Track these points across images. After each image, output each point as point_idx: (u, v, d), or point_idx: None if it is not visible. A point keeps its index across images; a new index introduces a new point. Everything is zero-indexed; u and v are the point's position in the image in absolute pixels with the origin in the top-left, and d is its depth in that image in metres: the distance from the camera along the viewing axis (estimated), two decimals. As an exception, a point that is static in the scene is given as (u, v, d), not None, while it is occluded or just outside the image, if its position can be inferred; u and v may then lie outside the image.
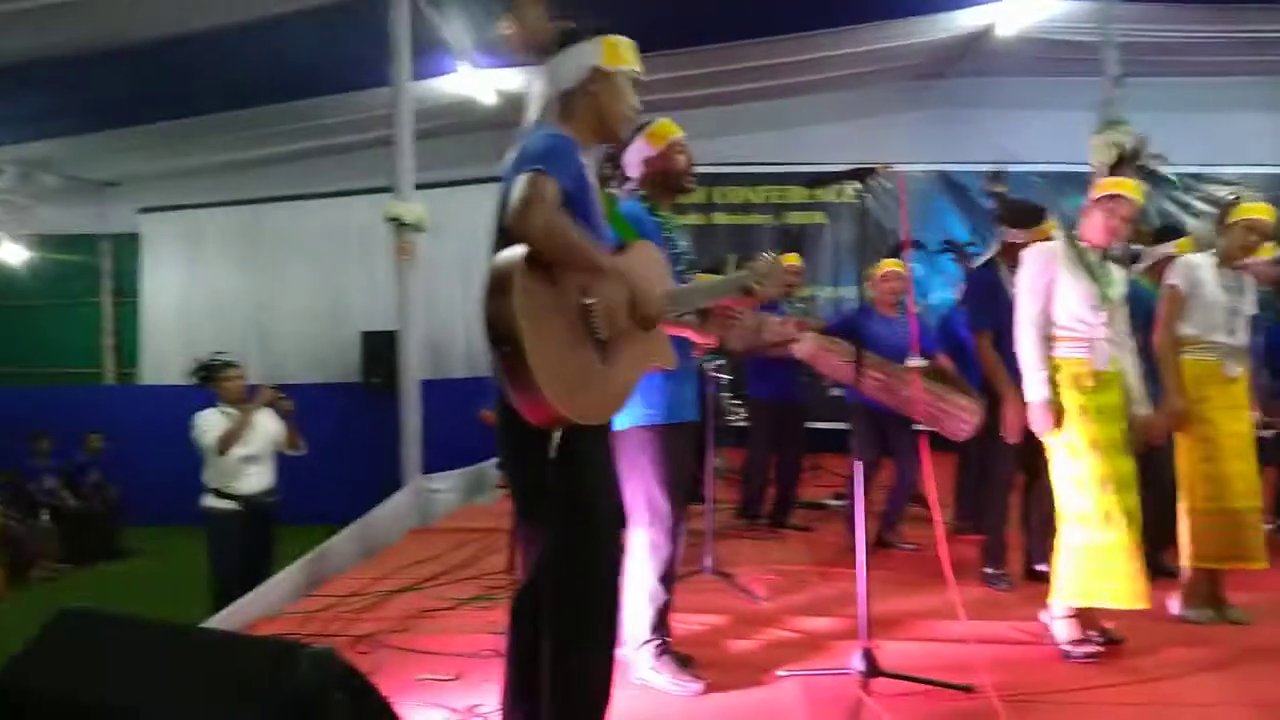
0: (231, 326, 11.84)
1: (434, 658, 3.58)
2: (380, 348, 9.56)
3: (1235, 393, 3.99)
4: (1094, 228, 3.57)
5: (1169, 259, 4.48)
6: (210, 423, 5.44)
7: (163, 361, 11.79)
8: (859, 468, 3.46)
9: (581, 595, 2.26)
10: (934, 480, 3.91)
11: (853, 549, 3.27)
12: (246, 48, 7.36)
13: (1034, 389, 3.52)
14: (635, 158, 3.39)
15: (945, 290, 9.47)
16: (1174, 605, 3.99)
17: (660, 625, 3.26)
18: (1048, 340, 3.54)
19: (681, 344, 3.21)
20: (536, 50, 2.48)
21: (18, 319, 12.63)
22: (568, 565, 2.22)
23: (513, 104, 9.03)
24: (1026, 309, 3.57)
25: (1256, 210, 4.02)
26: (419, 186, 7.45)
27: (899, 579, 4.66)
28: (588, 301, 2.24)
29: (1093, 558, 3.38)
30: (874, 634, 3.19)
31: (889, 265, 5.55)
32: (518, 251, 2.11)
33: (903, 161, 8.61)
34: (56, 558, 9.15)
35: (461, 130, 9.98)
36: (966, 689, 3.05)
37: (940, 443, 4.74)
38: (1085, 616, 3.50)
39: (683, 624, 3.81)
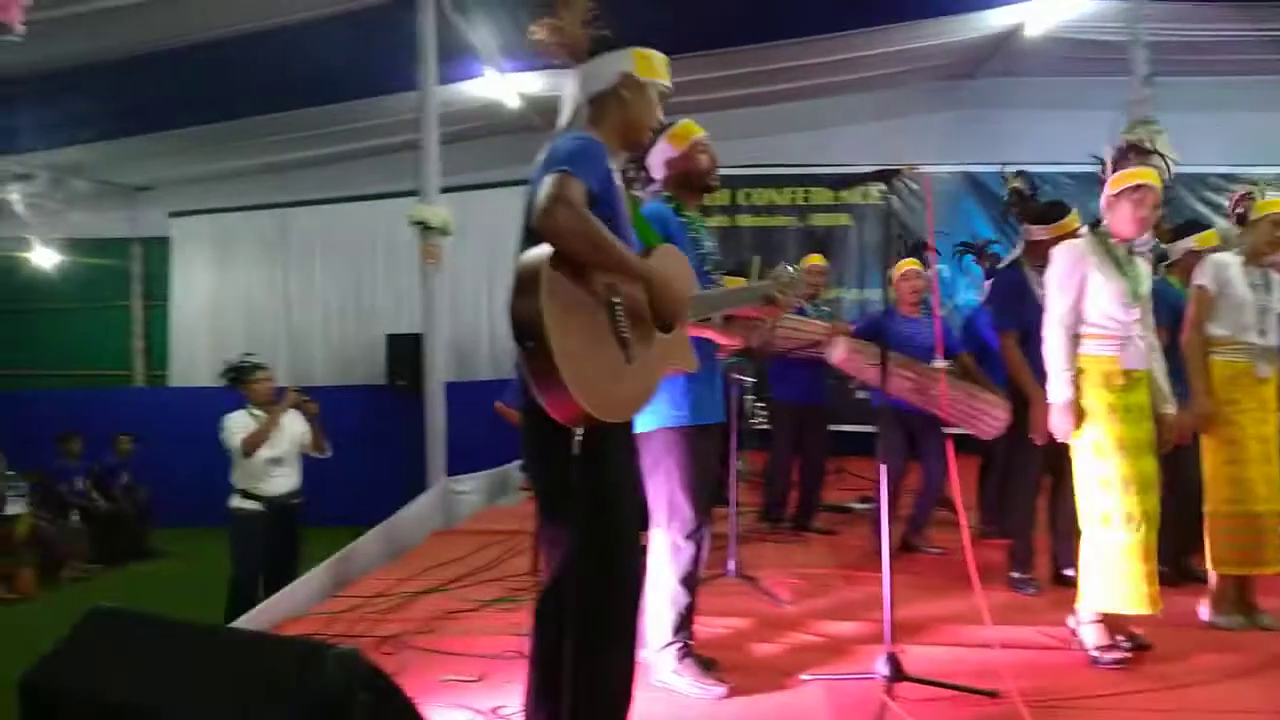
0: (259, 329, 11.98)
1: (458, 659, 3.60)
2: (406, 350, 9.61)
3: (1264, 395, 3.94)
4: (1122, 220, 3.51)
5: (1193, 254, 4.47)
6: (238, 424, 5.46)
7: (192, 364, 11.93)
8: (884, 471, 3.44)
9: (603, 596, 2.26)
10: (959, 484, 3.88)
11: (877, 553, 3.25)
12: (275, 53, 7.44)
13: (1058, 390, 3.47)
14: (658, 159, 3.41)
15: (970, 292, 9.42)
16: (1203, 611, 3.95)
17: (682, 628, 3.26)
18: (1076, 338, 3.49)
19: (706, 346, 3.21)
20: (571, 55, 2.50)
21: (50, 322, 12.79)
22: (590, 566, 2.22)
23: (537, 107, 9.09)
24: (1056, 307, 3.51)
25: (1270, 204, 3.98)
26: (444, 190, 7.49)
27: (924, 583, 4.64)
28: (614, 299, 2.25)
29: (1113, 560, 3.35)
30: (899, 638, 3.18)
31: (908, 265, 5.51)
32: (544, 250, 2.13)
33: (929, 163, 8.56)
34: (86, 558, 9.24)
35: (486, 134, 10.05)
36: (992, 694, 3.02)
37: (963, 446, 4.71)
38: (1113, 621, 3.47)
39: (706, 627, 3.80)
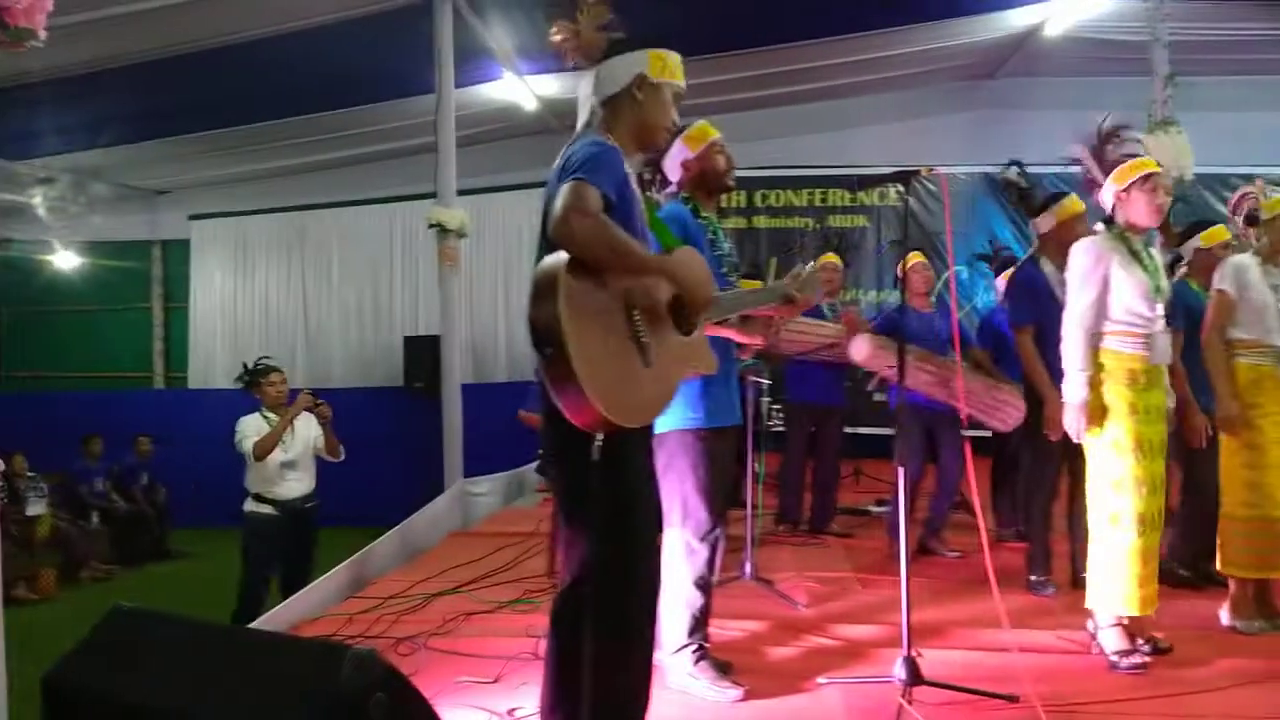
0: (278, 331, 12.08)
1: (474, 660, 3.60)
2: (423, 352, 9.65)
3: (1286, 398, 3.91)
4: (1139, 211, 3.47)
5: (1202, 252, 4.47)
6: (250, 428, 5.42)
7: (211, 365, 12.03)
8: (902, 473, 3.43)
9: (621, 599, 2.26)
10: (975, 486, 3.85)
11: (895, 556, 3.24)
12: (293, 57, 7.48)
13: (1074, 389, 3.43)
14: (675, 161, 3.42)
15: (989, 294, 9.39)
16: (1224, 615, 3.92)
17: (697, 630, 3.25)
18: (1098, 336, 3.45)
19: (724, 348, 3.21)
20: (585, 57, 2.50)
21: (71, 324, 12.90)
22: (608, 569, 2.22)
23: (554, 110, 9.12)
24: (1077, 304, 3.45)
25: None
26: (462, 192, 7.52)
27: (942, 587, 4.62)
28: (631, 304, 2.25)
29: (1119, 560, 3.34)
30: (916, 642, 3.16)
31: (915, 258, 5.49)
32: (561, 257, 2.12)
33: (947, 164, 8.53)
34: (106, 559, 9.33)
35: (503, 136, 10.08)
36: (1010, 699, 3.00)
37: (977, 448, 4.68)
38: (1133, 625, 3.44)
39: (722, 630, 3.80)
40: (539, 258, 2.22)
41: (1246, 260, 3.97)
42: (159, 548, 9.92)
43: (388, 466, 9.76)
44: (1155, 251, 3.64)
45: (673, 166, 3.45)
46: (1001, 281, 5.92)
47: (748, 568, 4.65)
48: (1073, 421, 3.44)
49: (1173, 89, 6.90)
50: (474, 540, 6.10)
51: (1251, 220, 4.11)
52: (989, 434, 5.81)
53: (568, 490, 2.36)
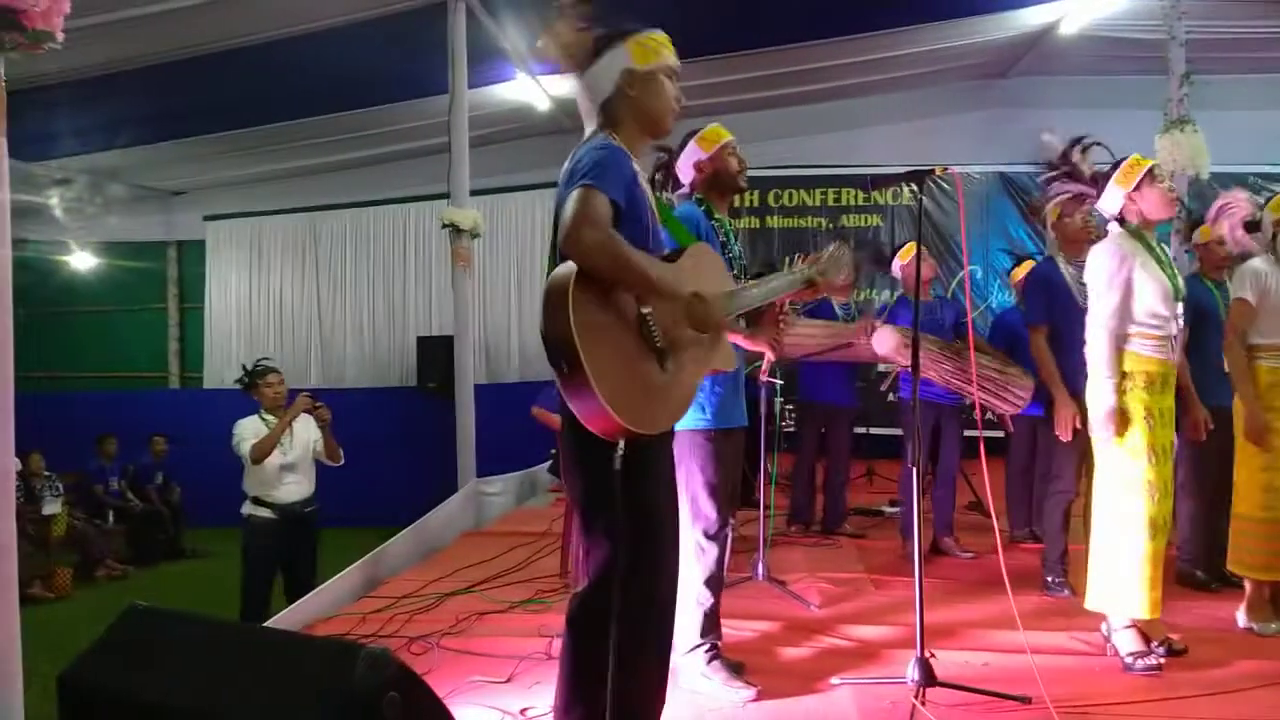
0: (292, 331, 12.15)
1: (487, 659, 3.61)
2: (437, 353, 9.68)
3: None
4: (1154, 205, 3.47)
5: (1201, 247, 4.53)
6: (248, 430, 5.30)
7: (226, 366, 12.09)
8: (912, 473, 3.42)
9: (640, 604, 2.25)
10: (989, 487, 3.84)
11: (907, 556, 3.23)
12: (307, 58, 7.51)
13: (1103, 395, 3.38)
14: (687, 163, 3.44)
15: (1003, 293, 9.38)
16: (1241, 617, 3.90)
17: (710, 630, 3.26)
18: (1120, 338, 3.42)
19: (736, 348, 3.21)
20: (574, 63, 2.45)
21: (87, 324, 13.00)
22: (629, 574, 2.20)
23: (567, 110, 9.13)
24: (1102, 308, 3.41)
25: None
26: (475, 192, 7.53)
27: (956, 587, 4.61)
28: (644, 310, 2.22)
29: (1132, 565, 3.32)
30: (930, 643, 3.15)
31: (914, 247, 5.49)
32: (570, 269, 2.09)
33: (961, 163, 8.50)
34: (121, 558, 9.39)
35: (517, 136, 10.09)
36: (1024, 700, 2.99)
37: (991, 449, 4.68)
38: (1148, 627, 3.43)
39: (735, 630, 3.80)
40: (550, 265, 2.20)
41: (1261, 266, 3.95)
42: (174, 547, 9.98)
43: (401, 466, 9.80)
44: (1167, 248, 3.63)
45: (685, 168, 3.47)
46: (1020, 272, 5.91)
47: (760, 568, 4.65)
48: (1102, 429, 3.39)
49: (1189, 87, 6.85)
50: (487, 540, 6.11)
51: (1252, 226, 4.08)
52: (1003, 434, 5.80)
53: (587, 497, 2.33)
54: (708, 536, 3.21)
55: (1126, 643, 3.42)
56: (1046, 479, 4.68)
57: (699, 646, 3.22)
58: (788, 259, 3.46)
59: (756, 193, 9.99)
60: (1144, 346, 3.41)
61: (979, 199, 9.62)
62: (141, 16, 6.38)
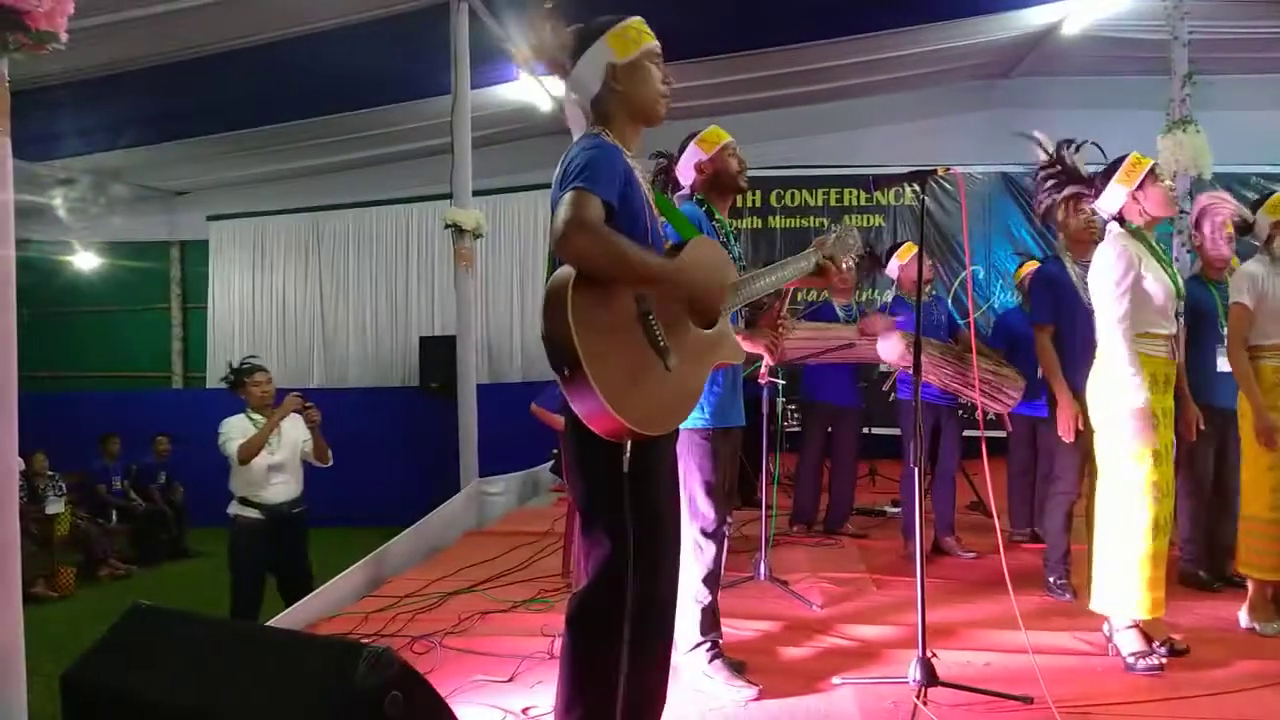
0: (295, 331, 12.17)
1: (490, 659, 3.61)
2: (439, 353, 9.69)
3: (1309, 400, 3.88)
4: (1157, 203, 3.46)
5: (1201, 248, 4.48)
6: (235, 429, 5.18)
7: (229, 366, 12.07)
8: (914, 473, 3.42)
9: (642, 603, 2.23)
10: (991, 487, 3.84)
11: (909, 557, 3.24)
12: (311, 58, 7.52)
13: (1135, 395, 3.30)
14: (688, 164, 3.46)
15: (1006, 293, 9.38)
16: (1243, 617, 3.90)
17: (710, 628, 3.27)
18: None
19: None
20: (557, 66, 2.42)
21: (90, 324, 13.02)
22: (631, 574, 2.19)
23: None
24: (1119, 308, 3.36)
25: None
26: (477, 193, 7.54)
27: (958, 588, 4.61)
28: (646, 309, 2.19)
29: (1136, 566, 3.31)
30: (931, 643, 3.15)
31: (912, 248, 5.49)
32: (567, 272, 2.07)
33: (964, 163, 8.50)
34: (124, 557, 9.41)
35: (520, 137, 10.10)
36: (1026, 700, 2.99)
37: (992, 450, 4.70)
38: (1150, 627, 3.43)
39: (737, 630, 3.81)
40: (550, 268, 2.18)
41: (1257, 269, 3.95)
42: (177, 546, 9.99)
43: (403, 466, 9.83)
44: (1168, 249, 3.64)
45: (686, 169, 3.48)
46: (1024, 271, 5.92)
47: (762, 568, 4.65)
48: (1142, 429, 3.30)
49: (1191, 88, 6.85)
50: (489, 539, 6.12)
51: (1244, 229, 4.08)
52: (1004, 434, 5.80)
53: (589, 497, 2.31)
54: (706, 535, 3.21)
55: (1128, 643, 3.42)
56: (1048, 479, 4.68)
57: (700, 645, 3.23)
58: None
59: (759, 193, 9.99)
60: (1148, 346, 3.41)
61: (981, 199, 9.61)
62: (145, 17, 6.39)
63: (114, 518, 9.89)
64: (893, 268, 5.48)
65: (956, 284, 9.32)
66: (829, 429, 6.09)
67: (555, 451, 6.29)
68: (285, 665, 1.90)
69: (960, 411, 5.42)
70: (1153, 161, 3.50)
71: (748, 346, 3.27)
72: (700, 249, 2.48)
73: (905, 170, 3.35)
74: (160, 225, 12.64)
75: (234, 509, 5.26)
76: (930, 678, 3.02)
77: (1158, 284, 3.40)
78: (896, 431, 5.73)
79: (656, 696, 2.41)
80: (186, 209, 12.54)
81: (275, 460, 5.22)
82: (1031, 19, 8.39)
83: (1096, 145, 3.64)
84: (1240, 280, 3.96)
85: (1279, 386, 3.87)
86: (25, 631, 2.52)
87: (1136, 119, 6.90)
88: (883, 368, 5.54)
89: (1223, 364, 4.24)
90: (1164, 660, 3.37)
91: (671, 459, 2.53)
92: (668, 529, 2.40)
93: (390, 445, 10.25)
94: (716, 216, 3.40)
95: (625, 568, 2.16)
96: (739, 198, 3.64)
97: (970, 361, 4.88)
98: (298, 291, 12.27)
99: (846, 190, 10.04)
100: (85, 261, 12.23)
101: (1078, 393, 3.95)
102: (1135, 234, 3.49)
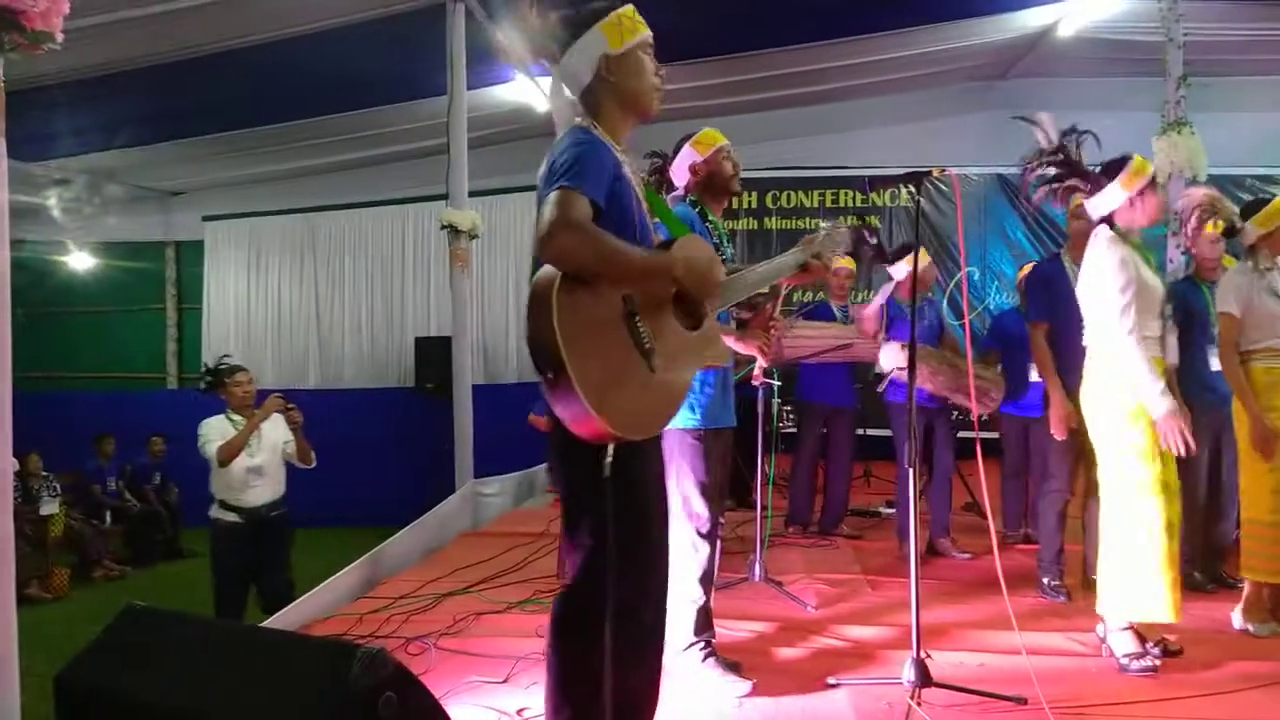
0: (290, 332, 12.16)
1: (484, 660, 3.61)
2: (434, 353, 9.68)
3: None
4: (1149, 212, 3.46)
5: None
6: (215, 431, 5.11)
7: (224, 366, 12.07)
8: (908, 474, 3.43)
9: (630, 604, 2.23)
10: (985, 488, 3.86)
11: (904, 558, 3.24)
12: (307, 59, 7.51)
13: (1160, 400, 3.27)
14: (682, 165, 3.47)
15: (1001, 294, 9.40)
16: (1236, 618, 3.91)
17: (704, 628, 3.28)
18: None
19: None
20: (544, 56, 2.36)
21: (85, 324, 13.00)
22: (617, 576, 2.17)
23: (565, 111, 9.13)
24: (1127, 314, 3.33)
25: None
26: (473, 194, 7.54)
27: (952, 589, 4.62)
28: (632, 311, 2.13)
29: (1152, 569, 3.30)
30: (926, 644, 3.16)
31: (924, 257, 5.50)
32: (552, 272, 2.02)
33: (959, 165, 8.50)
34: (119, 558, 9.39)
35: (516, 138, 10.09)
36: (1019, 701, 3.00)
37: (986, 451, 4.71)
38: (1145, 628, 3.43)
39: (731, 631, 3.81)
40: (534, 268, 2.12)
41: (1240, 278, 3.96)
42: (171, 547, 9.96)
43: (399, 467, 9.81)
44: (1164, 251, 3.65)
45: (680, 170, 3.49)
46: (1024, 272, 5.93)
47: (757, 569, 4.66)
48: (1175, 432, 3.26)
49: (1186, 90, 6.87)
50: (484, 540, 6.11)
51: (1230, 233, 4.08)
52: (997, 435, 5.81)
53: (573, 497, 2.29)
54: (700, 535, 3.22)
55: (1122, 644, 3.43)
56: (1041, 479, 4.69)
57: (694, 644, 3.23)
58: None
59: (755, 194, 10.01)
60: (1146, 346, 3.41)
61: (977, 200, 9.63)
62: (140, 17, 6.38)
63: (108, 518, 9.87)
64: (898, 270, 5.37)
65: (952, 285, 9.33)
66: (824, 430, 6.10)
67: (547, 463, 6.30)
68: (279, 666, 1.90)
69: (954, 413, 5.43)
70: (1154, 169, 3.50)
71: (740, 348, 3.28)
72: (689, 246, 2.41)
73: (901, 171, 3.36)
74: (155, 225, 12.62)
75: (214, 512, 5.20)
76: (924, 678, 3.03)
77: (1151, 287, 3.41)
78: (890, 433, 5.73)
79: (648, 696, 2.40)
80: (182, 209, 12.52)
81: (254, 463, 5.14)
82: (1027, 21, 8.40)
83: (1095, 137, 3.62)
84: (1225, 290, 3.99)
85: (1272, 387, 3.88)
86: (19, 633, 2.52)
87: (1132, 121, 6.91)
88: (877, 368, 5.54)
89: (1217, 364, 4.25)
90: (1158, 661, 3.38)
91: (657, 460, 2.49)
92: (652, 530, 2.36)
93: (385, 446, 10.24)
94: (710, 218, 3.41)
95: (606, 568, 2.14)
96: (734, 199, 3.64)
97: (961, 367, 4.91)
98: (293, 292, 12.25)
99: (842, 191, 10.06)
100: (80, 262, 12.21)
101: (1072, 392, 3.96)
102: (1125, 237, 3.49)
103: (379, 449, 10.16)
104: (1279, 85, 9.26)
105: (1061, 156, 3.58)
